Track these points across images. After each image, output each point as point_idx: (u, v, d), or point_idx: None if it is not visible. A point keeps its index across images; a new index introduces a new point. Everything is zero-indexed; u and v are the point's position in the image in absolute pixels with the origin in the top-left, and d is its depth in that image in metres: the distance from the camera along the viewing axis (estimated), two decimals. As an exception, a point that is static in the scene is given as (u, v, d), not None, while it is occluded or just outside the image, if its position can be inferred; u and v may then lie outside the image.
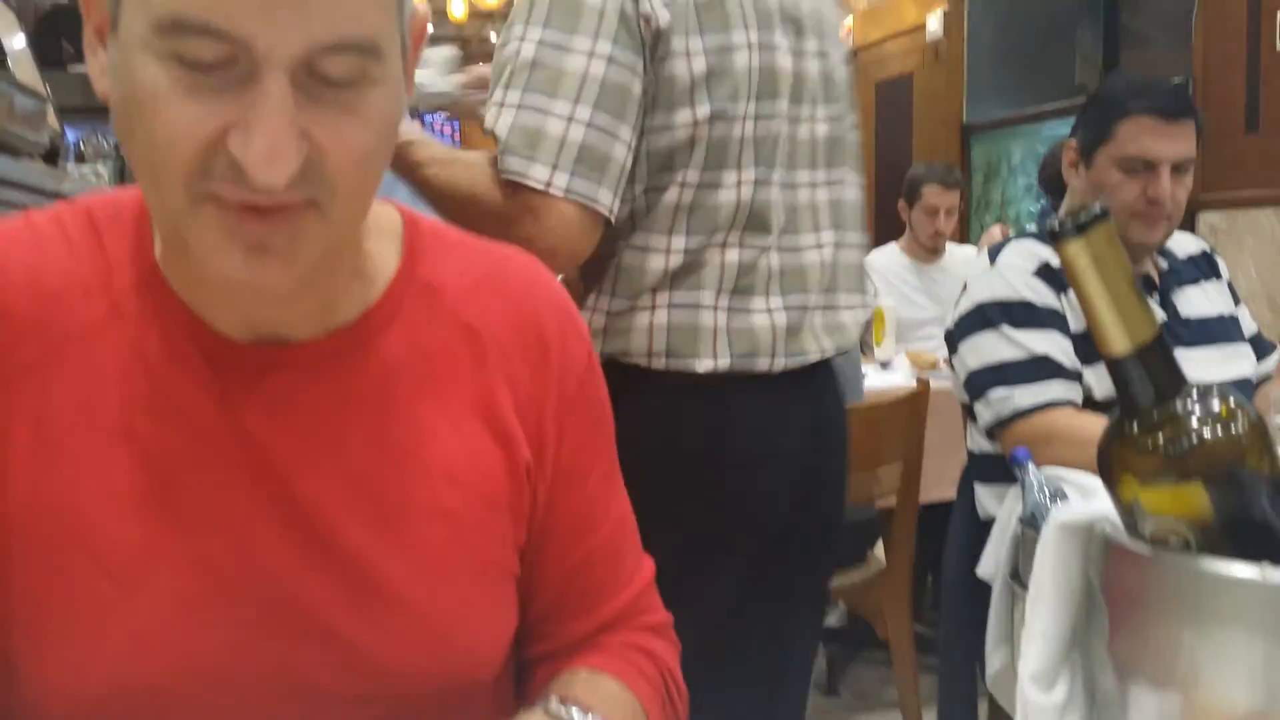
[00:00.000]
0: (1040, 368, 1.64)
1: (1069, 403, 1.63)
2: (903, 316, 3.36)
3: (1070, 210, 1.70)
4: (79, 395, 0.66)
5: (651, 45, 1.18)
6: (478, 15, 8.52)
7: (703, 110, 1.20)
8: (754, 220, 1.24)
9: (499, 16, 8.75)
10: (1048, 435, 1.58)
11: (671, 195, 1.22)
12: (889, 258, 3.59)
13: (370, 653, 0.69)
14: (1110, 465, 0.63)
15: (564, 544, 0.78)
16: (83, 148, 3.45)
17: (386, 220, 0.75)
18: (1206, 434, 0.60)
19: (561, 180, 1.14)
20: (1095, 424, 1.61)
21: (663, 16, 1.17)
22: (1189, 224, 4.11)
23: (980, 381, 1.70)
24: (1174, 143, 1.66)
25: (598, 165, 1.16)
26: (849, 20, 6.13)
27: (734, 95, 1.21)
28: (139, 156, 0.60)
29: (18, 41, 1.97)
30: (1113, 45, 5.49)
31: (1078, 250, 0.60)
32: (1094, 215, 0.60)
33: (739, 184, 1.23)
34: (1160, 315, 1.71)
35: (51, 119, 1.96)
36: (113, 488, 0.66)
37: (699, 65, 1.19)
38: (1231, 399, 0.61)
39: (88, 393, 0.66)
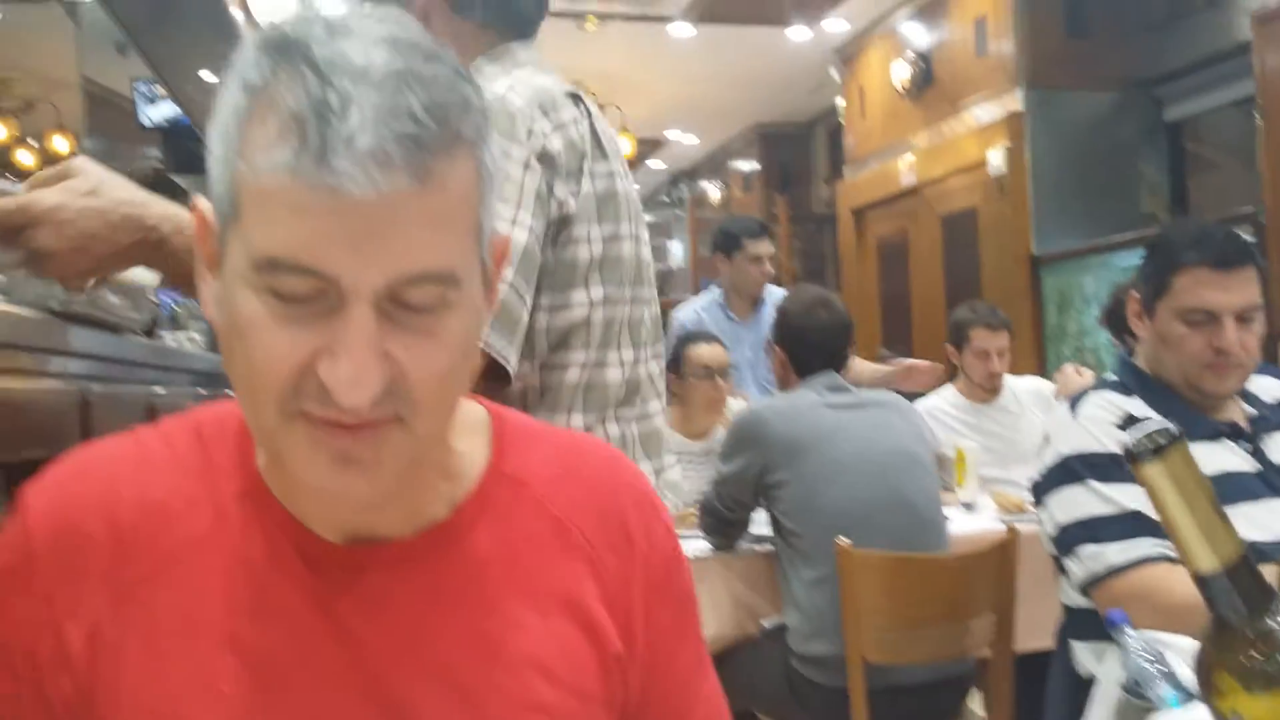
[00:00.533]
0: (1131, 523, 1.61)
1: (1163, 558, 1.60)
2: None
3: (1142, 432, 1.68)
4: (186, 605, 0.70)
5: (556, 228, 1.27)
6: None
7: (596, 292, 1.30)
8: (629, 395, 1.34)
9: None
10: (1143, 594, 1.55)
11: (572, 374, 1.29)
12: (948, 401, 3.51)
13: None
14: (1207, 677, 0.64)
15: None
16: (177, 312, 3.62)
17: (474, 417, 0.78)
18: (1302, 650, 0.61)
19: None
20: (1190, 584, 1.58)
21: (570, 204, 1.27)
22: (1272, 356, 4.04)
23: (1070, 538, 1.68)
24: (1234, 293, 1.64)
25: (510, 325, 1.22)
26: (910, 157, 6.25)
27: (619, 280, 1.33)
28: (238, 377, 0.65)
29: None
30: (1178, 173, 5.52)
31: (1156, 474, 0.62)
32: (1170, 438, 0.62)
33: (621, 363, 1.33)
34: (1252, 465, 1.69)
35: (151, 293, 2.06)
36: (219, 694, 0.68)
37: (596, 251, 1.30)
38: (1325, 613, 0.62)
39: (194, 601, 0.70)
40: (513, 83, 1.31)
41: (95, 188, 1.02)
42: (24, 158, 7.76)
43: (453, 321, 0.64)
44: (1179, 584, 1.54)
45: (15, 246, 1.01)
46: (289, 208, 0.60)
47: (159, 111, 5.26)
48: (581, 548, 0.76)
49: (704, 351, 3.22)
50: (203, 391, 2.16)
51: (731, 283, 3.87)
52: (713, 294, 3.98)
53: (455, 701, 0.71)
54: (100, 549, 0.70)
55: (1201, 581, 0.62)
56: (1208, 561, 0.62)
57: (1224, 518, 0.62)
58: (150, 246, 1.05)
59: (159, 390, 1.88)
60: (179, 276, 1.08)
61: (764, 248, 3.79)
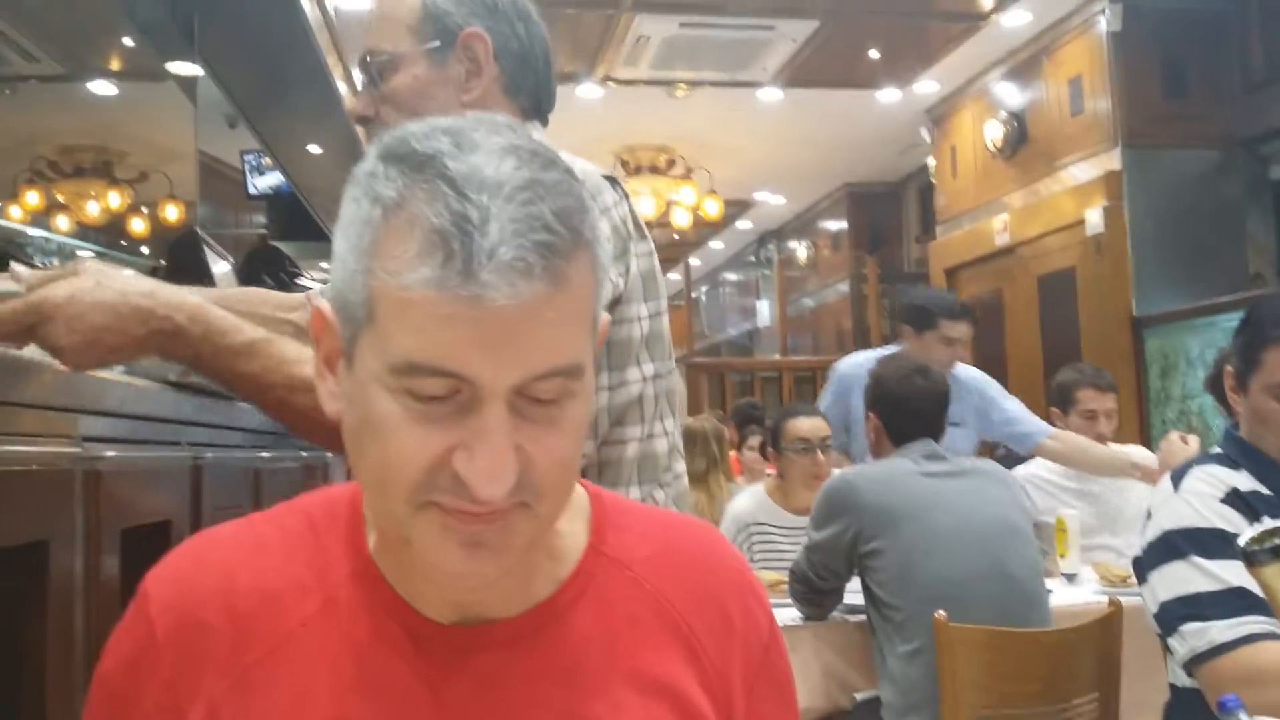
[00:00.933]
0: (1237, 599, 1.56)
1: (1271, 635, 1.53)
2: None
3: (1262, 533, 1.63)
4: (298, 686, 0.71)
5: (609, 310, 1.29)
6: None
7: (648, 369, 1.33)
8: (671, 461, 1.38)
9: (654, 225, 9.17)
10: (1254, 674, 1.50)
11: (630, 449, 1.32)
12: (1049, 467, 3.38)
13: None
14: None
15: None
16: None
17: (574, 497, 0.79)
18: None
19: None
20: None
21: (620, 285, 1.29)
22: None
23: (1173, 615, 1.62)
24: None
25: None
26: (1005, 216, 6.18)
27: (664, 354, 1.37)
28: (368, 469, 0.67)
29: (220, 270, 2.14)
30: (1287, 232, 5.35)
31: (1275, 574, 0.60)
32: (1292, 537, 0.60)
33: (666, 432, 1.37)
34: None
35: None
36: None
37: (645, 328, 1.33)
38: None
39: (305, 683, 0.72)
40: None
41: (100, 282, 1.04)
42: (136, 225, 8.14)
43: (574, 409, 0.67)
44: None
45: (28, 343, 1.04)
46: (432, 317, 0.62)
47: (265, 181, 5.47)
48: (680, 629, 0.77)
49: (803, 425, 3.19)
50: (304, 454, 2.21)
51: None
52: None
53: None
54: (219, 635, 0.73)
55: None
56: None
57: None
58: (165, 336, 1.07)
59: (264, 455, 1.94)
60: (200, 363, 1.11)
61: (960, 330, 3.45)
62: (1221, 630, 1.55)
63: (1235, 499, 1.64)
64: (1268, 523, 0.61)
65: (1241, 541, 0.60)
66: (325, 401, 0.71)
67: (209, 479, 1.74)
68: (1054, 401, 3.44)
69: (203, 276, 1.96)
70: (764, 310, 11.21)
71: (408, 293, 0.62)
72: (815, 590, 2.50)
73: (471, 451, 0.63)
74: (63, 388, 1.22)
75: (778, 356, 9.48)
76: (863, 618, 2.44)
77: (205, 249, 2.05)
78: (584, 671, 0.74)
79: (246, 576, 0.75)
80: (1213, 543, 1.61)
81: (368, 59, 1.36)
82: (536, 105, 1.42)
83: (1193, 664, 1.59)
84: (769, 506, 3.26)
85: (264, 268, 5.13)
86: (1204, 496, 1.65)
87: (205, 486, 1.71)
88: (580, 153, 1.18)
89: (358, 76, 1.42)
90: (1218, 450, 1.77)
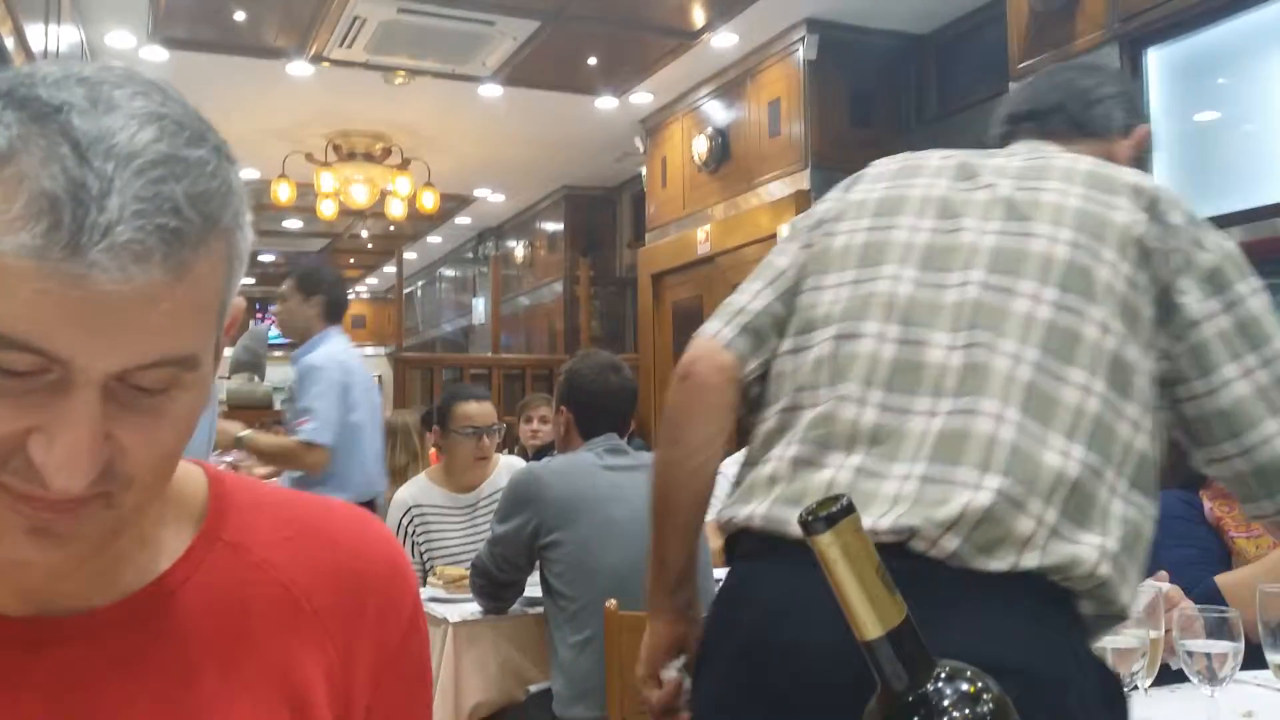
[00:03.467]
0: None
1: None
2: None
3: (819, 503, 1.77)
4: None
5: None
6: (346, 213, 8.70)
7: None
8: None
9: (369, 215, 8.95)
10: None
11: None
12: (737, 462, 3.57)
13: None
14: (875, 742, 0.66)
15: None
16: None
17: (189, 480, 0.74)
18: (955, 714, 0.64)
19: None
20: None
21: None
22: None
23: None
24: None
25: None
26: (707, 227, 6.46)
27: None
28: None
29: None
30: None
31: (828, 543, 0.64)
32: (842, 507, 0.64)
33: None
34: None
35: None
36: None
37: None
38: (980, 680, 0.66)
39: None
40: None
41: None
42: None
43: (184, 400, 0.61)
44: None
45: None
46: (27, 287, 0.54)
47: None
48: (306, 614, 0.73)
49: (472, 409, 3.24)
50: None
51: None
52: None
53: None
54: None
55: (868, 648, 0.65)
56: (873, 628, 0.64)
57: (890, 585, 0.65)
58: None
59: None
60: None
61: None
62: None
63: None
64: (825, 498, 0.65)
65: (801, 514, 0.64)
66: None
67: None
68: None
69: None
70: (479, 307, 11.17)
71: (3, 260, 0.55)
72: (495, 583, 2.50)
73: (50, 438, 0.57)
74: None
75: (489, 354, 9.46)
76: (541, 610, 2.47)
77: None
78: (184, 666, 0.69)
79: None
80: None
81: None
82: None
83: None
84: (430, 489, 3.29)
85: None
86: None
87: None
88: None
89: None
90: None
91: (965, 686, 0.65)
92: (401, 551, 0.81)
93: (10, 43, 3.58)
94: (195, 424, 0.64)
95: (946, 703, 0.64)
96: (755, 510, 1.21)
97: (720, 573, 1.36)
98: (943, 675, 0.65)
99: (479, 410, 3.26)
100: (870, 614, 0.65)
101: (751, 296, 1.34)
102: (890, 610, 0.65)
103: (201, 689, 0.69)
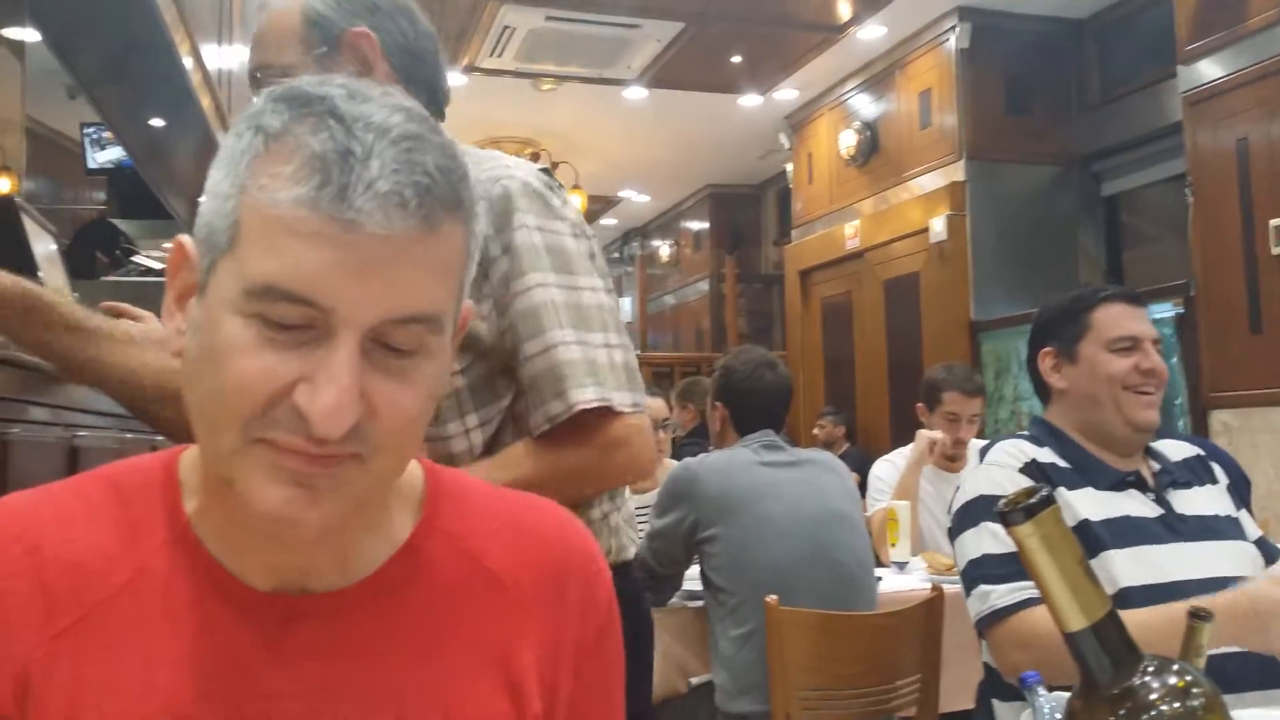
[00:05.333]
0: (1018, 564, 1.63)
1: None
2: (923, 527, 3.29)
3: (1016, 494, 1.74)
4: (108, 658, 0.69)
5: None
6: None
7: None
8: None
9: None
10: (1027, 638, 1.56)
11: None
12: (907, 459, 3.43)
13: None
14: (1077, 733, 0.66)
15: None
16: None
17: (408, 472, 0.77)
18: (1164, 709, 0.63)
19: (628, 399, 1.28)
20: None
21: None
22: (1201, 422, 4.15)
23: (967, 579, 1.71)
24: (1146, 324, 1.80)
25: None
26: (856, 223, 6.37)
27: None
28: (201, 400, 0.65)
29: (44, 248, 2.00)
30: (1115, 245, 5.68)
31: (1028, 533, 0.64)
32: (1041, 499, 0.64)
33: None
34: (1156, 510, 1.73)
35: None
36: None
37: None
38: (1189, 674, 0.64)
39: (117, 656, 0.69)
40: (508, 163, 1.37)
41: None
42: (-34, 196, 7.67)
43: (428, 368, 0.66)
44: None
45: None
46: (299, 237, 0.61)
47: (106, 155, 5.22)
48: (515, 604, 0.76)
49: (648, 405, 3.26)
50: (128, 434, 2.13)
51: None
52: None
53: None
54: (27, 606, 0.69)
55: (1071, 640, 0.64)
56: (1076, 620, 0.64)
57: (1092, 578, 0.65)
58: None
59: (82, 433, 1.86)
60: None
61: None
62: (1001, 595, 1.62)
63: (1033, 468, 1.74)
64: (1027, 487, 0.65)
65: (1000, 504, 0.64)
66: (173, 340, 0.69)
67: (17, 457, 1.66)
68: (922, 397, 3.48)
69: (21, 253, 1.84)
70: (626, 307, 11.28)
71: (277, 209, 0.62)
72: (656, 576, 2.53)
73: (315, 386, 0.62)
74: None
75: (638, 352, 9.55)
76: (701, 604, 2.49)
77: (25, 221, 1.93)
78: (407, 647, 0.72)
79: (52, 548, 0.71)
80: None
81: (258, 74, 1.35)
82: (432, 97, 1.42)
83: (979, 627, 1.67)
84: None
85: (98, 245, 4.90)
86: (1004, 466, 1.75)
87: (13, 464, 1.63)
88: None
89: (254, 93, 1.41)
90: (1024, 431, 1.87)
91: (1173, 680, 0.64)
92: (597, 546, 0.83)
93: (189, 62, 3.81)
94: (434, 399, 0.69)
95: (1154, 696, 0.63)
96: None
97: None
98: (1150, 669, 0.65)
99: (651, 405, 3.29)
100: (1073, 605, 0.64)
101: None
102: (1094, 602, 0.64)
103: (423, 670, 0.72)
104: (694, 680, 2.51)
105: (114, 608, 0.70)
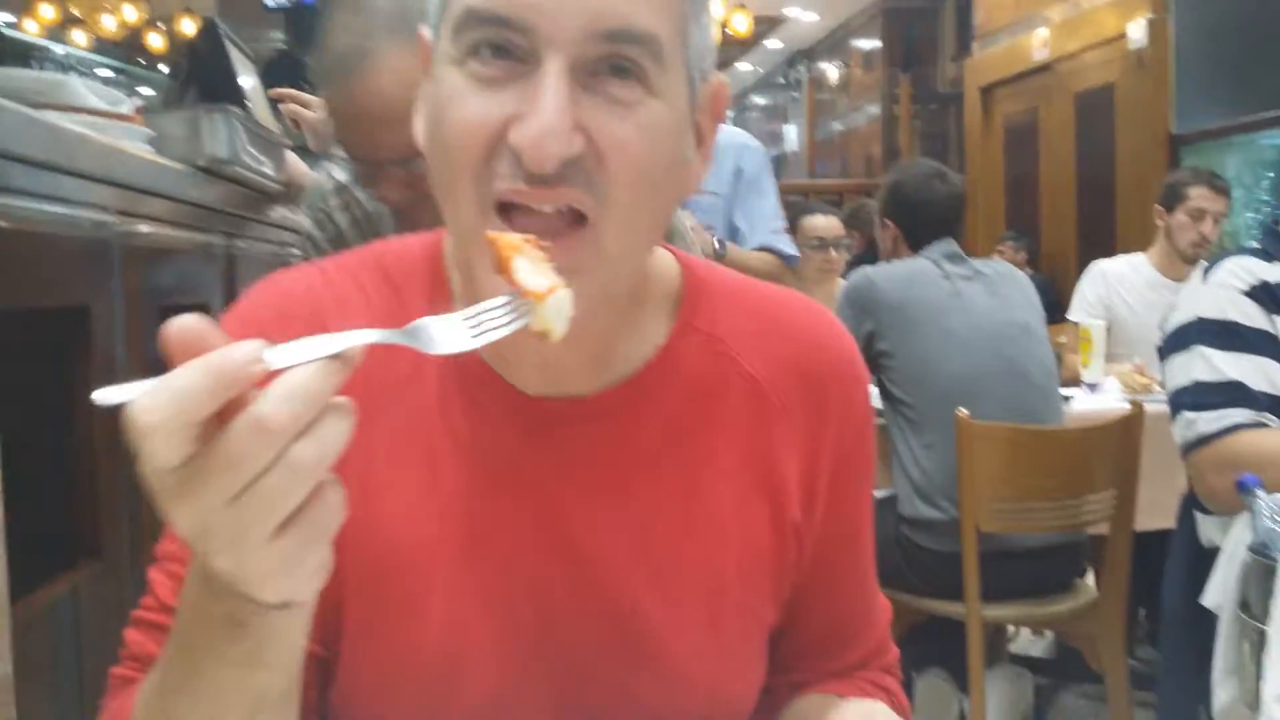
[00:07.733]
0: (1230, 393, 1.58)
1: (1254, 424, 1.56)
2: (1143, 337, 3.15)
3: None
4: (391, 447, 0.70)
5: None
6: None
7: None
8: None
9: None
10: (1229, 462, 1.53)
11: None
12: (1133, 269, 3.33)
13: (638, 696, 0.72)
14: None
15: (826, 594, 0.79)
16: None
17: (664, 268, 0.76)
18: None
19: None
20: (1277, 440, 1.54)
21: None
22: None
23: (1175, 403, 1.67)
24: None
25: None
26: (1044, 31, 5.96)
27: None
28: (438, 165, 0.65)
29: (249, 82, 2.05)
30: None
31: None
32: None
33: None
34: None
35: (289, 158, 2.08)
36: (421, 536, 0.70)
37: None
38: None
39: (398, 445, 0.70)
40: None
41: None
42: (154, 40, 7.99)
43: (655, 106, 0.63)
44: (1267, 444, 1.53)
45: None
46: None
47: (283, -7, 5.31)
48: (775, 408, 0.74)
49: (819, 222, 3.27)
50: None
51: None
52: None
53: (637, 557, 0.71)
54: None
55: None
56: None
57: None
58: None
59: (295, 250, 1.95)
60: None
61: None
62: (1208, 421, 1.58)
63: (1261, 292, 1.63)
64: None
65: None
66: (419, 131, 0.69)
67: (242, 269, 1.76)
68: (1162, 199, 3.35)
69: (226, 82, 1.88)
70: (791, 135, 11.00)
71: None
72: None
73: (524, 119, 0.60)
74: (97, 158, 1.23)
75: (805, 180, 9.35)
76: (878, 421, 2.49)
77: (230, 50, 1.97)
78: (669, 449, 0.72)
79: (332, 319, 0.69)
80: (1222, 334, 1.61)
81: None
82: None
83: (1183, 452, 1.63)
84: None
85: (281, 79, 5.02)
86: (1228, 288, 1.65)
87: (239, 276, 1.73)
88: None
89: None
90: (1254, 244, 1.75)
91: None
92: (857, 349, 0.80)
93: None
94: (669, 163, 0.65)
95: None
96: None
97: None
98: None
99: (826, 224, 3.28)
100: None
101: None
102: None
103: (685, 472, 0.72)
104: (876, 493, 2.53)
105: (396, 397, 0.70)
